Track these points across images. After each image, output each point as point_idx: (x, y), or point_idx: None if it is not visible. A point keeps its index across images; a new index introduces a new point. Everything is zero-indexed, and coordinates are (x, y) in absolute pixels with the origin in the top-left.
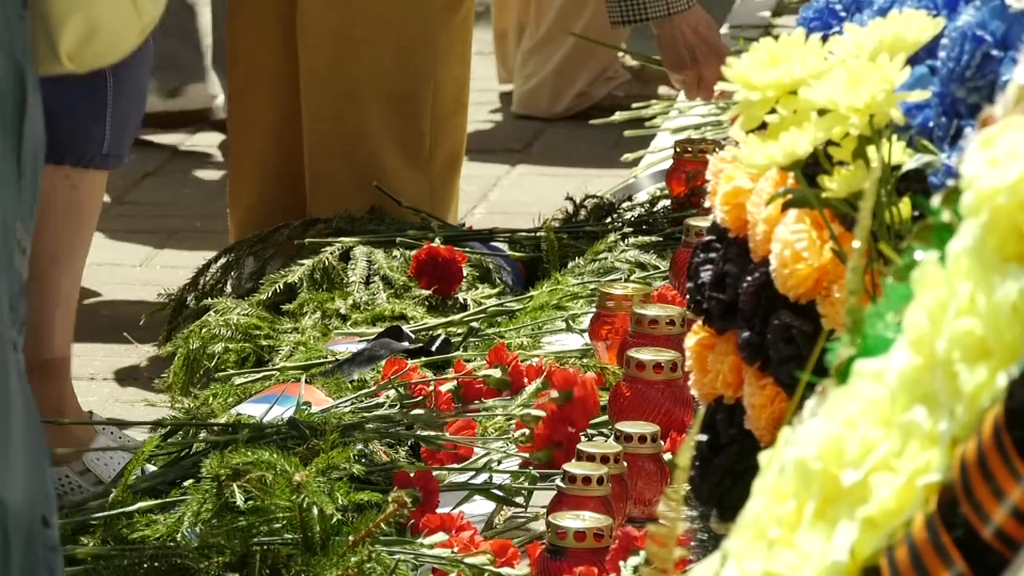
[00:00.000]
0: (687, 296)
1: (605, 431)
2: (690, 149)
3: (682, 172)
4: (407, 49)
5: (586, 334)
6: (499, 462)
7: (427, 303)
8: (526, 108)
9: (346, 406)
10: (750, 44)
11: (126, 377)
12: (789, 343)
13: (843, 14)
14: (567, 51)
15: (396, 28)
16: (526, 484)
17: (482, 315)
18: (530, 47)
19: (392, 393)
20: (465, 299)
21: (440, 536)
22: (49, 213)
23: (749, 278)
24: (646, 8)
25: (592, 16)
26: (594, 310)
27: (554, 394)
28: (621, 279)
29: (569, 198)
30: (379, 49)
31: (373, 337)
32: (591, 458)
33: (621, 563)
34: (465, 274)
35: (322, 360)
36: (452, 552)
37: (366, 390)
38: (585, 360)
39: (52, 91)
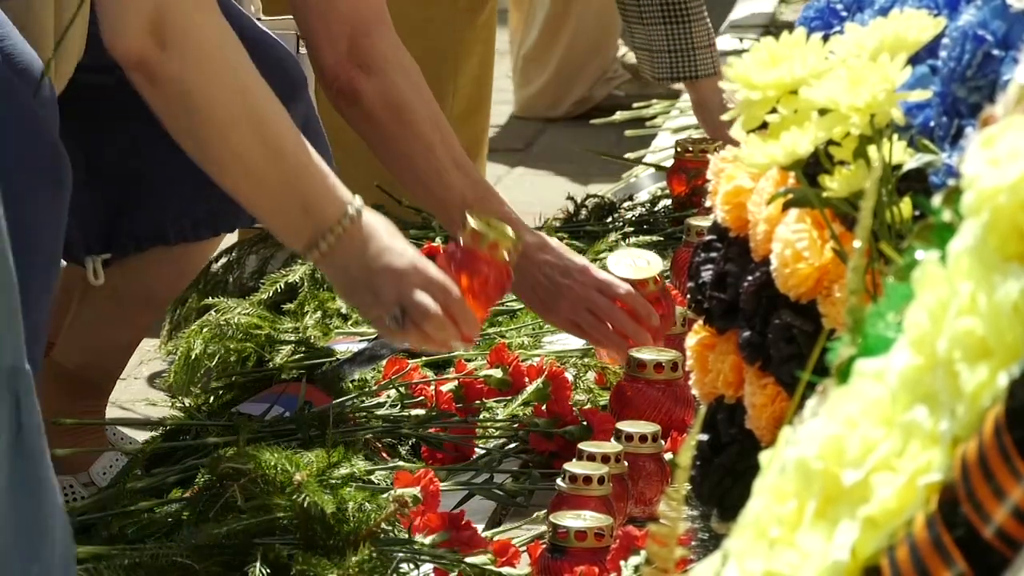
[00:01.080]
0: (688, 295)
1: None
2: (691, 148)
3: (683, 172)
4: (428, 49)
5: None
6: (500, 461)
7: None
8: (527, 112)
9: (347, 405)
10: (751, 43)
11: (127, 376)
12: (790, 343)
13: (844, 13)
14: (565, 54)
15: (418, 28)
16: (527, 484)
17: None
18: (527, 53)
19: (393, 393)
20: None
21: (441, 535)
22: (169, 266)
23: (750, 277)
24: (696, 65)
25: (578, 21)
26: None
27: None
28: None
29: (570, 198)
30: None
31: (374, 336)
32: (592, 457)
33: (622, 563)
34: None
35: (323, 359)
36: (453, 552)
37: (367, 390)
38: (586, 359)
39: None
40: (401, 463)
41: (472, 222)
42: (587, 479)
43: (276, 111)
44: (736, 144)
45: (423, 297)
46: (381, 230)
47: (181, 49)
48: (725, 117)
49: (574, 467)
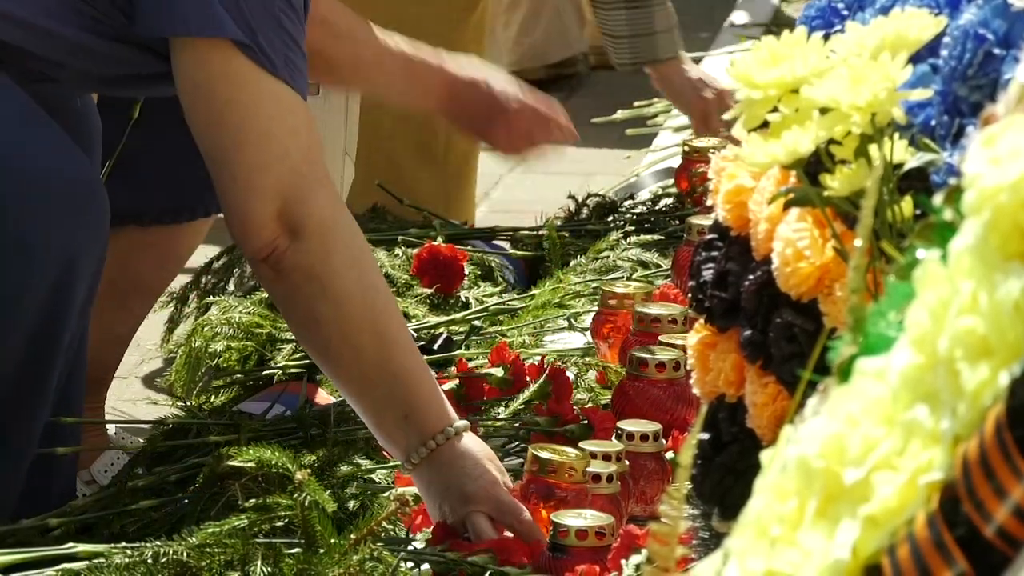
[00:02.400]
0: (689, 294)
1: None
2: (699, 148)
3: (692, 170)
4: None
5: (588, 332)
6: (501, 460)
7: (429, 302)
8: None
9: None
10: (752, 43)
11: (128, 375)
12: (791, 341)
13: (845, 12)
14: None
15: (413, 28)
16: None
17: (484, 313)
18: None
19: None
20: (467, 297)
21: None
22: (154, 249)
23: (751, 276)
24: (656, 48)
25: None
26: (596, 308)
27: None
28: (623, 277)
29: (571, 196)
30: None
31: None
32: (593, 456)
33: (623, 561)
34: (467, 272)
35: None
36: (453, 551)
37: None
38: (587, 359)
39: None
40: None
41: (534, 451)
42: (596, 477)
43: (394, 311)
44: (709, 118)
45: (483, 522)
46: (470, 455)
47: (312, 238)
48: (727, 116)
49: None
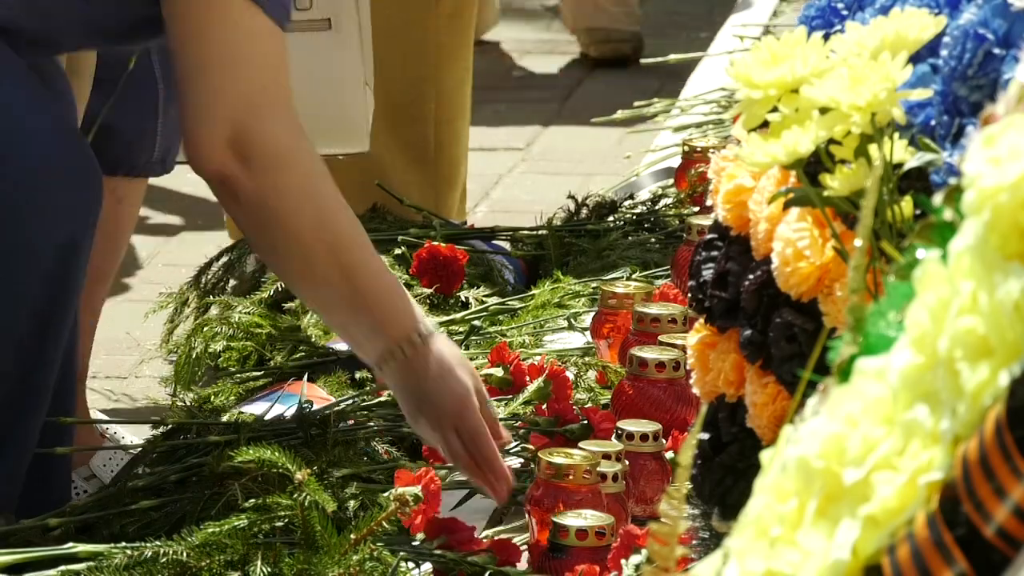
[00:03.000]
0: (689, 294)
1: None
2: (699, 148)
3: (691, 170)
4: (410, 54)
5: (588, 332)
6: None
7: (428, 302)
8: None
9: (348, 404)
10: (752, 43)
11: (128, 375)
12: (791, 341)
13: (845, 12)
14: None
15: (399, 33)
16: (528, 483)
17: (484, 313)
18: None
19: None
20: (467, 297)
21: (440, 539)
22: (106, 240)
23: (751, 276)
24: None
25: None
26: (596, 308)
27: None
28: (623, 277)
29: (571, 196)
30: (382, 54)
31: None
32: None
33: (623, 561)
34: (466, 273)
35: (324, 358)
36: (452, 551)
37: (368, 388)
38: (587, 359)
39: (103, 105)
40: (402, 462)
41: (544, 456)
42: (602, 476)
43: (354, 238)
44: None
45: (453, 440)
46: (440, 363)
47: (263, 170)
48: (727, 115)
49: None
